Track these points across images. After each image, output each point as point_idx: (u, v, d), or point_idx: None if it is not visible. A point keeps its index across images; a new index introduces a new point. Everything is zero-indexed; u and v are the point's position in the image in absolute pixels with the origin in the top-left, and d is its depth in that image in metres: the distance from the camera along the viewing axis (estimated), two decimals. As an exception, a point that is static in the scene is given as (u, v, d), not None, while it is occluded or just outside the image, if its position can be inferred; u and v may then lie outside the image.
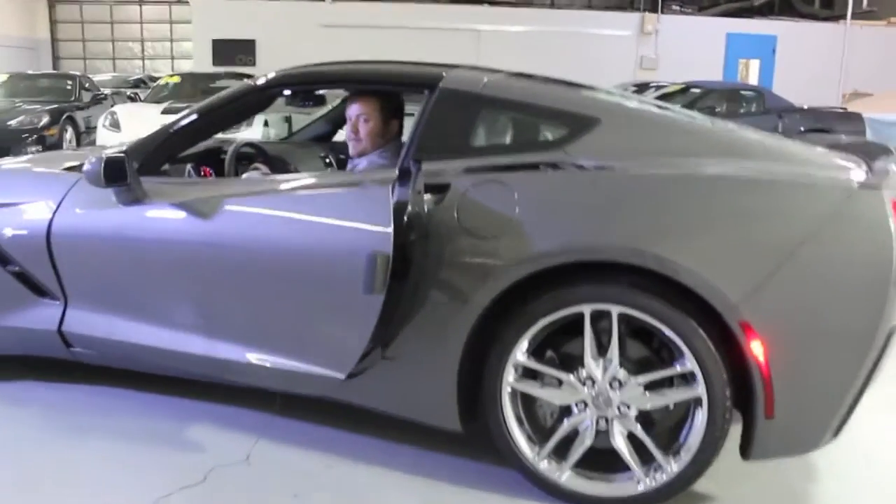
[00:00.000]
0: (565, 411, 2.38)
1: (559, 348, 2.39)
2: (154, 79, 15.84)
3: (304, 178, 2.68)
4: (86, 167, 2.62)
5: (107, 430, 2.77)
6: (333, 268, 2.37)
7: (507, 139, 2.63)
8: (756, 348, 2.13)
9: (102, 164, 2.55)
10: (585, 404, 2.33)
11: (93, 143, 9.81)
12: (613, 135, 2.46)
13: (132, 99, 11.76)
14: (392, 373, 2.45)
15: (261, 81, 2.85)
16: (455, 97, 2.55)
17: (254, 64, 13.61)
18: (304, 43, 13.61)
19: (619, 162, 2.35)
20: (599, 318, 2.28)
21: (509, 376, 2.37)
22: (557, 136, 2.50)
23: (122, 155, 2.60)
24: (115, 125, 9.01)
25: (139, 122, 9.02)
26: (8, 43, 23.03)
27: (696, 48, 15.10)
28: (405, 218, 2.24)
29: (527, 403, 2.42)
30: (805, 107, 10.75)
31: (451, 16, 14.23)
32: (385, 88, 2.91)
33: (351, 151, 2.96)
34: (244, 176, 3.12)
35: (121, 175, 2.59)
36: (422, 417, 2.51)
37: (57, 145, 9.82)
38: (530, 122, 2.61)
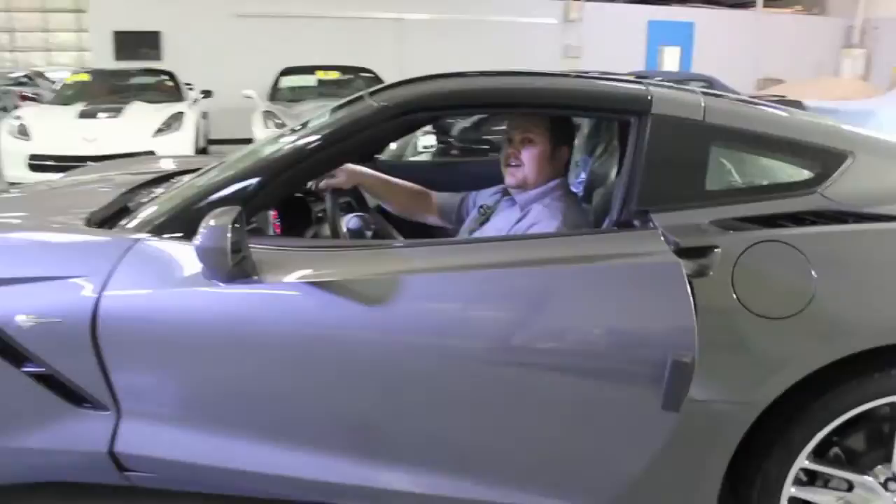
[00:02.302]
0: (852, 520, 1.92)
1: (843, 444, 1.91)
2: (39, 74, 14.35)
3: (523, 247, 1.93)
4: (199, 242, 1.80)
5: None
6: (605, 374, 1.77)
7: (745, 180, 2.10)
8: None
9: (229, 237, 1.77)
10: (884, 511, 1.88)
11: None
12: (869, 173, 2.01)
13: (33, 99, 10.42)
14: (635, 485, 1.89)
15: (392, 102, 2.10)
16: (674, 127, 2.00)
17: (159, 58, 12.40)
18: (215, 35, 12.52)
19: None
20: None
21: (790, 485, 1.88)
22: (805, 175, 2.02)
23: (235, 209, 1.83)
24: (24, 133, 7.83)
25: (52, 128, 7.93)
26: None
27: (620, 36, 14.97)
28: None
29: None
30: (749, 96, 10.70)
31: (372, 4, 13.45)
32: (572, 115, 2.32)
33: (508, 180, 2.33)
34: (348, 222, 2.45)
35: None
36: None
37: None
38: (766, 157, 2.09)
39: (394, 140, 2.50)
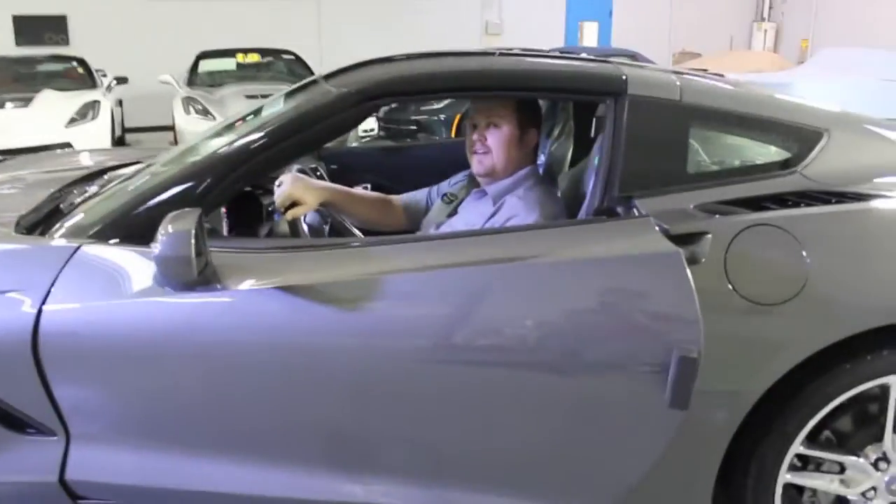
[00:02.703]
0: (842, 501, 1.91)
1: (833, 426, 1.89)
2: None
3: (509, 242, 1.79)
4: (159, 251, 1.61)
5: None
6: (607, 372, 1.67)
7: (724, 161, 2.04)
8: None
9: (193, 244, 1.59)
10: (875, 491, 1.87)
11: None
12: (844, 150, 1.99)
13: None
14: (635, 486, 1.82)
15: (355, 87, 1.94)
16: (652, 108, 1.92)
17: (67, 43, 11.73)
18: (126, 18, 11.89)
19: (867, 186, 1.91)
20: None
21: (786, 472, 1.85)
22: (783, 155, 2.00)
23: (196, 211, 1.65)
24: (-78, 127, 7.31)
25: (-46, 121, 7.42)
26: None
27: (539, 12, 14.94)
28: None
29: (792, 497, 1.92)
30: (690, 70, 10.81)
31: (289, -17, 13.06)
32: (545, 97, 2.20)
33: (476, 168, 2.19)
34: (305, 217, 2.30)
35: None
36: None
37: None
38: (744, 137, 2.04)
39: (355, 127, 2.33)
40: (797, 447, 1.83)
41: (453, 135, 8.40)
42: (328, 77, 2.18)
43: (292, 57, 10.45)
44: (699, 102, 1.96)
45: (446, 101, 6.16)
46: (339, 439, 1.81)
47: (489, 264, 1.71)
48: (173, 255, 1.60)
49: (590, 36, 16.01)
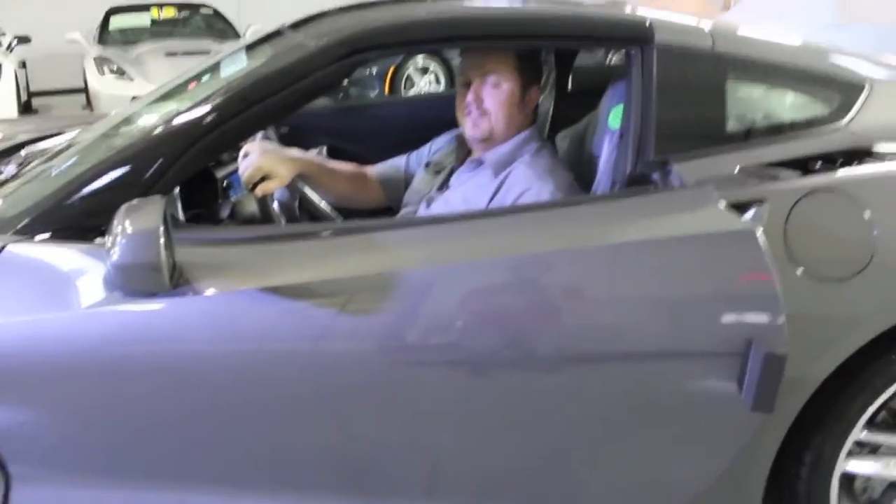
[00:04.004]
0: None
1: (889, 406, 1.71)
2: None
3: (545, 222, 1.52)
4: (117, 258, 1.29)
5: None
6: (673, 373, 1.44)
7: (764, 117, 1.80)
8: None
9: (162, 242, 1.28)
10: (934, 474, 1.72)
11: None
12: (886, 102, 1.79)
13: None
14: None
15: (336, 39, 1.62)
16: (684, 58, 1.67)
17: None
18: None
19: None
20: None
21: (844, 460, 1.67)
22: (826, 109, 1.77)
23: (158, 201, 1.34)
24: None
25: None
26: None
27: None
28: None
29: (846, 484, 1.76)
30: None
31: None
32: (558, 46, 1.92)
33: (471, 132, 1.89)
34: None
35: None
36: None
37: None
38: (783, 90, 1.81)
39: (338, 85, 2.00)
40: (858, 433, 1.65)
41: (386, 90, 8.00)
42: (295, 27, 1.87)
43: (210, 11, 9.81)
44: (733, 50, 1.72)
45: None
46: (347, 461, 1.54)
47: (537, 251, 1.44)
48: (137, 262, 1.29)
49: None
